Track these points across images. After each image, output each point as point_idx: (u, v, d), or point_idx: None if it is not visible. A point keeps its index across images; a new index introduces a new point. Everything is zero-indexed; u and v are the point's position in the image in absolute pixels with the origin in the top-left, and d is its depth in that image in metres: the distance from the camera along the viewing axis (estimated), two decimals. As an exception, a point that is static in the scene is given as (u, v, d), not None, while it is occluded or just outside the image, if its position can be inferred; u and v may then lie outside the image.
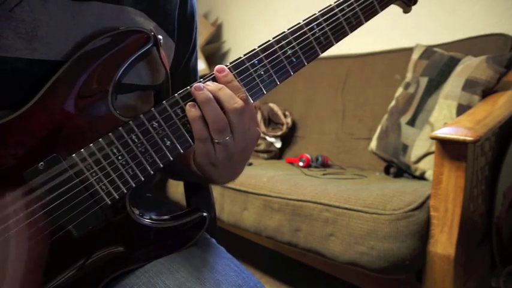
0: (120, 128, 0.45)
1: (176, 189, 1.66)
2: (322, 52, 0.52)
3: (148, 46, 0.47)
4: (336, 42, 0.52)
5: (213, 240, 0.59)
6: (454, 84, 1.36)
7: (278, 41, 0.50)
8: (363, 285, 1.22)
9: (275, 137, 1.99)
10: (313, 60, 0.52)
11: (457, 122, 1.12)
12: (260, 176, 1.38)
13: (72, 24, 0.44)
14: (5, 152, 0.41)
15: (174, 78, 0.56)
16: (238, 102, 0.44)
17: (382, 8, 0.54)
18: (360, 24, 0.53)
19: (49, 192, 0.42)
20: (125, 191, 0.45)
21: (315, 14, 0.51)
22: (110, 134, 0.44)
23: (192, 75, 0.65)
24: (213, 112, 0.44)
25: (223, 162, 0.48)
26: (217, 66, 0.46)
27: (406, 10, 0.57)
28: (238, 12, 2.79)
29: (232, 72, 0.48)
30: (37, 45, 0.42)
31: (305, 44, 0.51)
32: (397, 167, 1.49)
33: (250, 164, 1.69)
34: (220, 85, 0.45)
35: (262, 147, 1.98)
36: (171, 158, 0.47)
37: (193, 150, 0.50)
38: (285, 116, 2.04)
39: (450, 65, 1.43)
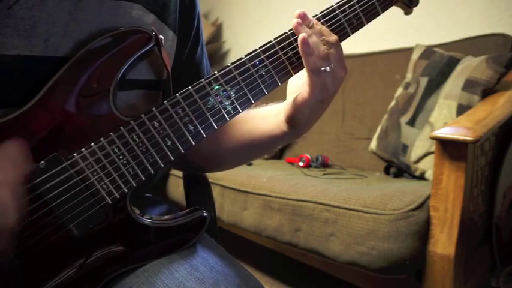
0: (121, 128, 0.45)
1: (176, 189, 1.66)
2: None
3: (150, 46, 0.47)
4: None
5: (213, 240, 0.59)
6: (454, 84, 1.36)
7: (279, 42, 0.50)
8: (363, 285, 1.22)
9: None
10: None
11: (457, 122, 1.12)
12: (260, 176, 1.38)
13: (70, 20, 0.44)
14: (6, 152, 0.41)
15: (179, 72, 0.56)
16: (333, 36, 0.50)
17: (384, 9, 0.54)
18: (361, 25, 0.53)
19: (50, 190, 0.42)
20: (126, 191, 0.45)
21: (316, 15, 0.51)
22: (111, 133, 0.44)
23: (200, 69, 0.63)
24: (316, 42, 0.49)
25: (329, 97, 0.51)
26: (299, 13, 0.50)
27: (407, 12, 0.57)
28: (238, 12, 2.79)
29: (233, 72, 0.48)
30: (36, 42, 0.42)
31: None
32: (397, 167, 1.49)
33: (250, 164, 1.69)
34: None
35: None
36: (172, 158, 0.47)
37: (287, 109, 0.53)
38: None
39: (450, 65, 1.43)
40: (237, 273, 0.49)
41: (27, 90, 0.43)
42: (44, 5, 0.43)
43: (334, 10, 0.51)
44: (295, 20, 0.49)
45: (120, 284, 0.48)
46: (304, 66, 0.49)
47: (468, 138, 0.94)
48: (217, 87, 0.48)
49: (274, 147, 0.61)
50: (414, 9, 0.60)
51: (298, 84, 0.53)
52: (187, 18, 0.59)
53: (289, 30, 0.50)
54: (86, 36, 0.45)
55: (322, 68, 0.48)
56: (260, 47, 0.50)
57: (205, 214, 0.51)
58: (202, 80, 0.48)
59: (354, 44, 1.64)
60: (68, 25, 0.44)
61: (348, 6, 0.51)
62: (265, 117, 0.58)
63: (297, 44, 0.50)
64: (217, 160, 0.65)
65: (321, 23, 0.51)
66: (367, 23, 0.53)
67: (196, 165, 0.66)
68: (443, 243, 0.98)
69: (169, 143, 0.46)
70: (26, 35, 0.42)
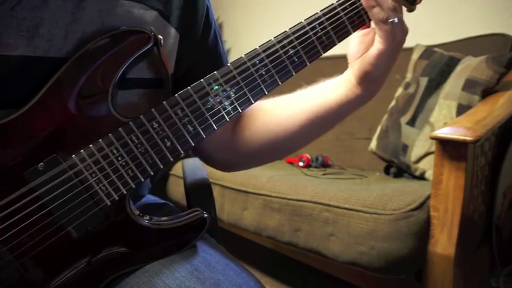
0: (119, 129, 0.44)
1: (176, 189, 1.66)
2: (324, 52, 0.52)
3: (149, 46, 0.46)
4: (339, 42, 0.52)
5: (213, 240, 0.59)
6: (454, 84, 1.36)
7: (280, 41, 0.49)
8: (363, 285, 1.22)
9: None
10: (315, 60, 0.52)
11: (457, 122, 1.12)
12: (260, 176, 1.37)
13: (72, 21, 0.44)
14: (6, 153, 0.41)
15: (195, 61, 0.56)
16: None
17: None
18: (362, 23, 0.52)
19: (49, 192, 0.42)
20: (125, 192, 0.45)
21: (317, 13, 0.51)
22: (110, 134, 0.44)
23: (215, 55, 0.60)
24: None
25: (398, 48, 0.52)
26: None
27: (410, 9, 0.57)
28: (238, 12, 2.79)
29: (233, 72, 0.48)
30: (38, 43, 0.42)
31: (307, 44, 0.50)
32: (397, 167, 1.49)
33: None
34: None
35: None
36: (172, 159, 0.46)
37: (360, 72, 0.53)
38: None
39: (450, 65, 1.43)
40: (238, 273, 0.49)
41: (30, 91, 0.43)
42: (47, 5, 0.43)
43: (335, 8, 0.51)
44: None
45: (121, 284, 0.48)
46: (372, 19, 0.50)
47: (468, 138, 0.94)
48: (216, 87, 0.48)
49: (345, 116, 0.59)
50: (416, 8, 0.60)
51: (361, 48, 0.53)
52: (193, 6, 0.57)
53: (290, 29, 0.50)
54: (88, 36, 0.45)
55: (390, 20, 0.49)
56: (260, 46, 0.49)
57: (205, 215, 0.51)
58: (202, 79, 0.47)
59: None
60: (71, 25, 0.44)
61: (349, 4, 0.51)
62: (329, 90, 0.57)
63: (297, 43, 0.50)
64: (291, 140, 0.60)
65: (322, 21, 0.50)
66: (369, 20, 0.53)
67: (275, 149, 0.62)
68: (443, 243, 0.98)
69: (168, 143, 0.46)
70: (29, 36, 0.42)
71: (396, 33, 0.50)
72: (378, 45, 0.51)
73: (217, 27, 0.62)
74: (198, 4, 0.57)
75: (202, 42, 0.59)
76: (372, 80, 0.53)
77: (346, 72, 0.56)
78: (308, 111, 0.56)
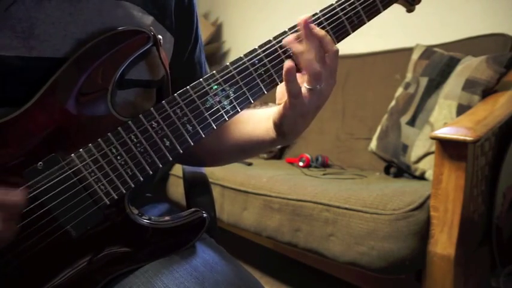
0: (119, 128, 0.45)
1: (176, 189, 1.66)
2: None
3: (148, 46, 0.47)
4: (338, 42, 0.51)
5: (213, 240, 0.59)
6: (454, 84, 1.36)
7: (279, 41, 0.50)
8: (363, 285, 1.22)
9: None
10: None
11: (457, 122, 1.12)
12: (260, 176, 1.38)
13: (70, 21, 0.44)
14: (5, 152, 0.41)
15: (178, 71, 0.56)
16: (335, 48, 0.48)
17: (385, 7, 0.53)
18: (362, 23, 0.52)
19: (48, 191, 0.42)
20: (124, 191, 0.45)
21: (316, 13, 0.51)
22: (109, 133, 0.44)
23: (197, 67, 0.64)
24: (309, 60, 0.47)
25: (312, 112, 0.50)
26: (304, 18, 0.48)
27: (410, 9, 0.56)
28: (238, 12, 2.79)
29: (232, 71, 0.48)
30: (34, 43, 0.42)
31: None
32: (397, 167, 1.49)
33: (250, 164, 1.69)
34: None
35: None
36: (170, 158, 0.47)
37: (274, 117, 0.53)
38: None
39: (450, 65, 1.43)
40: (237, 274, 0.49)
41: (29, 90, 0.43)
42: (41, 6, 0.43)
43: (334, 8, 0.51)
44: (290, 36, 0.49)
45: (120, 284, 0.48)
46: (285, 89, 0.48)
47: (468, 138, 0.94)
48: (215, 86, 0.48)
49: (264, 151, 0.62)
50: (415, 9, 0.60)
51: (282, 96, 0.53)
52: (186, 20, 0.59)
53: (289, 29, 0.50)
54: (87, 36, 0.45)
55: (310, 87, 0.48)
56: (259, 46, 0.49)
57: (204, 215, 0.51)
58: (201, 79, 0.48)
59: (354, 44, 1.63)
60: (69, 26, 0.44)
61: (348, 4, 0.51)
62: (261, 121, 0.58)
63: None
64: (216, 155, 0.66)
65: (321, 20, 0.50)
66: (368, 21, 0.52)
67: (197, 158, 0.66)
68: (443, 243, 0.98)
69: (167, 143, 0.46)
70: (24, 36, 0.42)
71: (310, 100, 0.48)
72: (287, 105, 0.50)
73: (202, 41, 0.65)
74: (191, 13, 0.59)
75: (189, 55, 0.61)
76: (283, 132, 0.54)
77: (273, 108, 0.56)
78: (241, 137, 0.61)
